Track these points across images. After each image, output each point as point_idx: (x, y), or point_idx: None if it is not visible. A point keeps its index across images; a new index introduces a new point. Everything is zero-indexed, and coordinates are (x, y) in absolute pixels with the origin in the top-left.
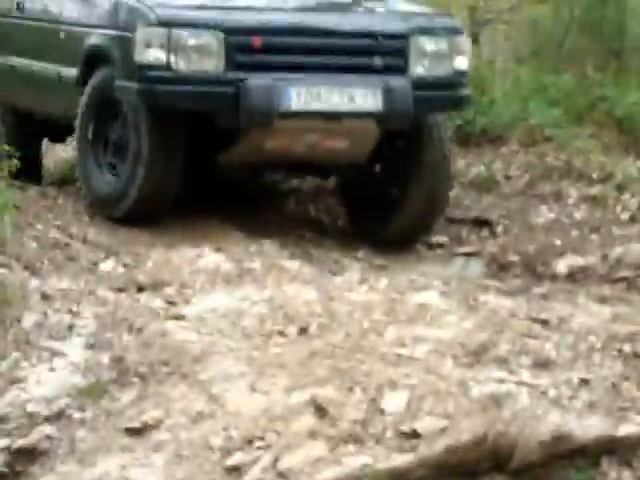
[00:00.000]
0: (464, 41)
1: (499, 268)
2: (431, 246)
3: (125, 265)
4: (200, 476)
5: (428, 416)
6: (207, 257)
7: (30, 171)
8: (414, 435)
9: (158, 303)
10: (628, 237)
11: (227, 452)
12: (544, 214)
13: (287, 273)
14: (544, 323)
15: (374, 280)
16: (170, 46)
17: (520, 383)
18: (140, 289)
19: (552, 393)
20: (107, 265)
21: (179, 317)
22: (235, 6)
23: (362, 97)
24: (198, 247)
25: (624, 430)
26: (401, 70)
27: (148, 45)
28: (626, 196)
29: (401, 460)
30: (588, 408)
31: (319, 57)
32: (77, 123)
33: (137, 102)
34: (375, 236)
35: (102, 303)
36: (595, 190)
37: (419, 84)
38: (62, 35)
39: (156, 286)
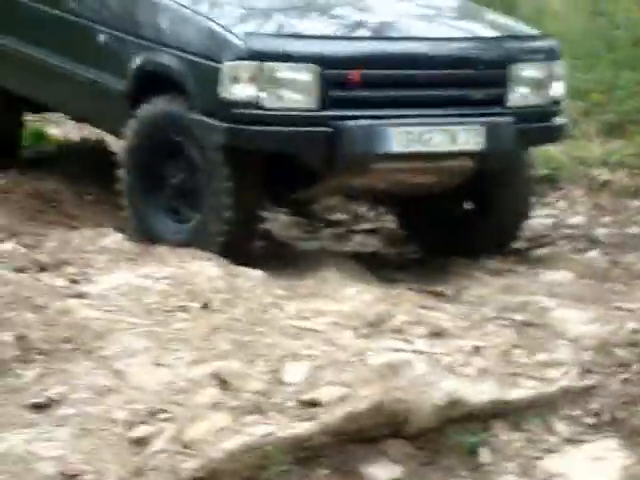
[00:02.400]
0: (561, 65)
1: (397, 244)
2: (330, 224)
3: (26, 245)
4: (105, 448)
5: (328, 385)
6: (108, 236)
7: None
8: (315, 404)
9: (60, 282)
10: None
11: (131, 425)
12: None
13: (189, 251)
14: (440, 295)
15: (275, 257)
16: (261, 81)
17: (416, 352)
18: (42, 269)
19: (446, 360)
20: (7, 246)
21: (82, 295)
22: (329, 35)
23: (464, 137)
24: (99, 227)
25: (514, 394)
26: (500, 101)
27: (236, 79)
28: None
29: (302, 428)
30: (480, 374)
31: (418, 90)
32: (122, 160)
33: (221, 141)
34: (450, 250)
35: (4, 283)
36: None
37: (518, 116)
38: (102, 38)
39: (58, 265)
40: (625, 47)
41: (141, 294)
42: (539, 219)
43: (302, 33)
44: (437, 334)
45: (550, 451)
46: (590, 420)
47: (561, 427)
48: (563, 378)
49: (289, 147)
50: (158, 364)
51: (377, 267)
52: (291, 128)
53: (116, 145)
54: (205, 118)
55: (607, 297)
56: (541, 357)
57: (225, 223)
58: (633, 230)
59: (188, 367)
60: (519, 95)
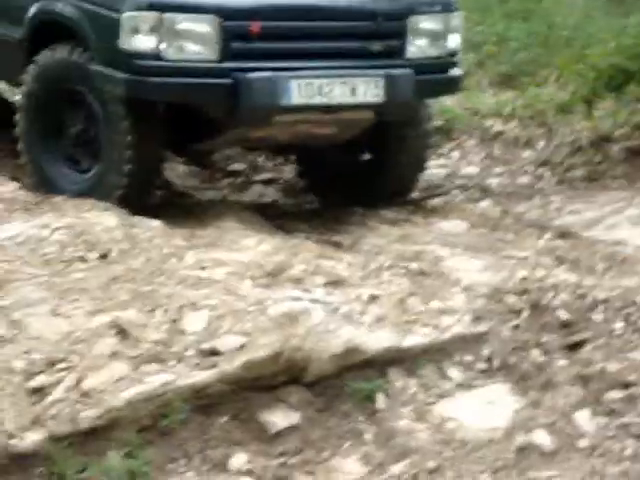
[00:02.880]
0: (458, 17)
1: (294, 194)
2: (228, 174)
3: None
4: (3, 398)
5: (227, 334)
6: (3, 185)
7: None
8: (214, 353)
9: None
10: None
11: (30, 375)
12: None
13: (86, 201)
14: (337, 245)
15: (174, 207)
16: (161, 32)
17: (314, 301)
18: None
19: (344, 309)
20: None
21: None
22: None
23: (364, 88)
24: None
25: (409, 342)
26: (398, 53)
27: (136, 30)
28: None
29: (202, 377)
30: (377, 322)
31: (318, 42)
32: (21, 106)
33: (121, 93)
34: (347, 200)
35: None
36: None
37: (416, 68)
38: None
39: None
40: None
41: (38, 244)
42: (433, 169)
43: None
44: (335, 283)
45: (444, 396)
46: (482, 366)
47: (454, 373)
48: (456, 325)
49: (190, 99)
50: (56, 314)
51: (275, 217)
52: (192, 79)
53: (10, 93)
54: (105, 69)
55: (499, 246)
56: (435, 305)
57: (124, 175)
58: (524, 180)
59: (87, 317)
60: (417, 47)
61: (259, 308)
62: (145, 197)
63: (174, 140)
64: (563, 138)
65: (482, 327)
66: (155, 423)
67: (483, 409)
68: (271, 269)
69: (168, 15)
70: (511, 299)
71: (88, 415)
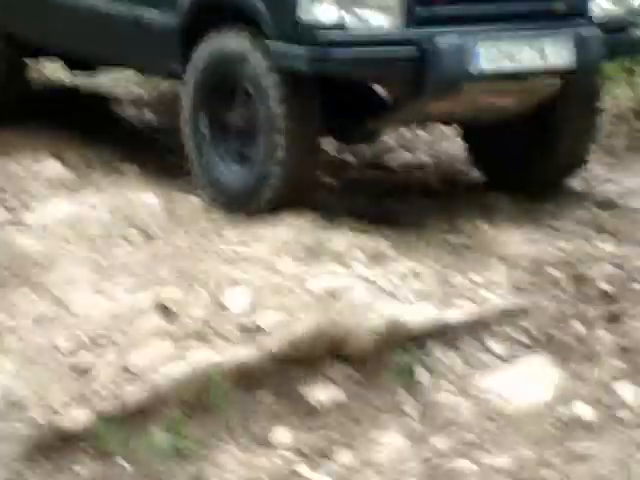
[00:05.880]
0: None
1: (335, 170)
2: None
3: None
4: (48, 376)
5: (269, 310)
6: (46, 165)
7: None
8: (256, 329)
9: None
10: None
11: (74, 352)
12: None
13: (127, 179)
14: (377, 219)
15: None
16: (343, 1)
17: (354, 276)
18: None
19: (385, 284)
20: None
21: (21, 224)
22: None
23: (553, 52)
24: (36, 155)
25: (451, 315)
26: (581, 13)
27: (317, 0)
28: None
29: (244, 353)
30: (418, 296)
31: (502, 4)
32: (185, 102)
33: (303, 68)
34: (516, 184)
35: None
36: None
37: (600, 27)
38: None
39: None
40: None
41: (81, 223)
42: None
43: None
44: (375, 258)
45: (485, 369)
46: (523, 338)
47: (495, 346)
48: (497, 298)
49: (375, 71)
50: (99, 292)
51: (317, 191)
52: (378, 49)
53: (49, 71)
54: (282, 45)
55: (538, 216)
56: (476, 278)
57: (280, 165)
58: None
59: (130, 295)
60: (600, 6)
61: (300, 284)
62: (305, 192)
63: (337, 122)
64: (604, 106)
65: (523, 300)
66: (198, 399)
67: (524, 382)
68: (311, 245)
69: None
70: (551, 271)
71: (132, 392)
